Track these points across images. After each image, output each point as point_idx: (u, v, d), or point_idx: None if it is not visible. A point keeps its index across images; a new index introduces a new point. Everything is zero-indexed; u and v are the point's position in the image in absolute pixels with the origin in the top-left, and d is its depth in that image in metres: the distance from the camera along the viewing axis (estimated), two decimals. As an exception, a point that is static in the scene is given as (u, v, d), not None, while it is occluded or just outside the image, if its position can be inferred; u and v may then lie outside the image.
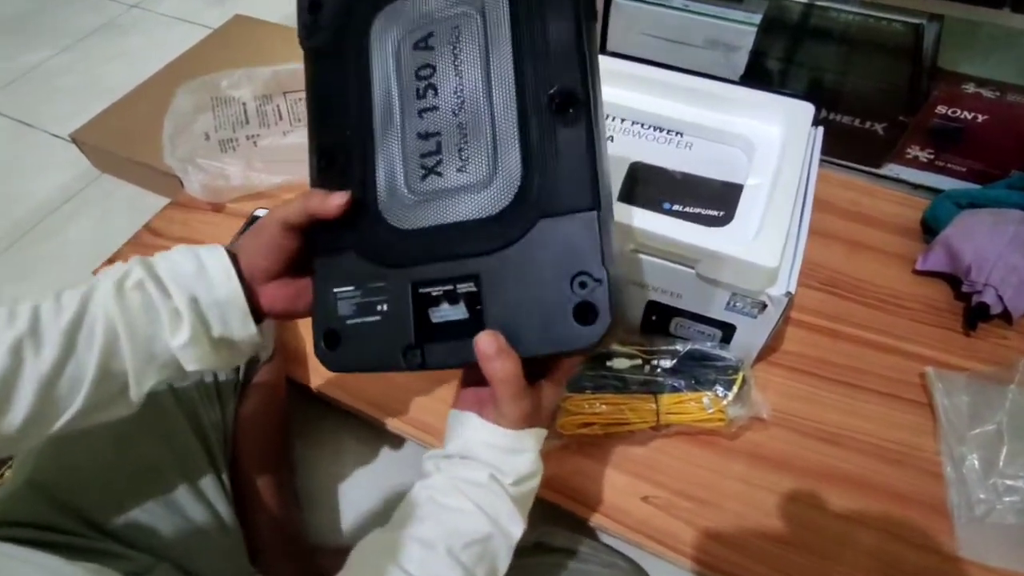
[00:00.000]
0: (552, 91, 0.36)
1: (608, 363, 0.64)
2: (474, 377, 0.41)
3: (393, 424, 0.65)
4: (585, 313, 0.34)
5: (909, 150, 0.85)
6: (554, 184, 0.35)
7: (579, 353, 0.37)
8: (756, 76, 0.89)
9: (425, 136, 0.39)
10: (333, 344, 0.40)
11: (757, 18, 0.85)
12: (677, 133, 0.67)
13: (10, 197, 1.06)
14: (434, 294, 0.38)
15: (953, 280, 0.73)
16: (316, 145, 0.42)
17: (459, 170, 0.38)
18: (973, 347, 0.68)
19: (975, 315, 0.69)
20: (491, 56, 0.37)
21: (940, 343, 0.69)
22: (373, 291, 0.39)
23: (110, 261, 0.82)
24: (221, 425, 0.56)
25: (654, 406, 0.61)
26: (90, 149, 1.04)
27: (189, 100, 0.93)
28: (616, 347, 0.65)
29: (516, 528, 0.37)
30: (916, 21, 0.87)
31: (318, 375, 0.69)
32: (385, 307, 0.39)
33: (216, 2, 1.40)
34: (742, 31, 0.85)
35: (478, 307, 0.37)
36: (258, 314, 0.41)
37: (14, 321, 0.34)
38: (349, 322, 0.40)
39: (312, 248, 0.41)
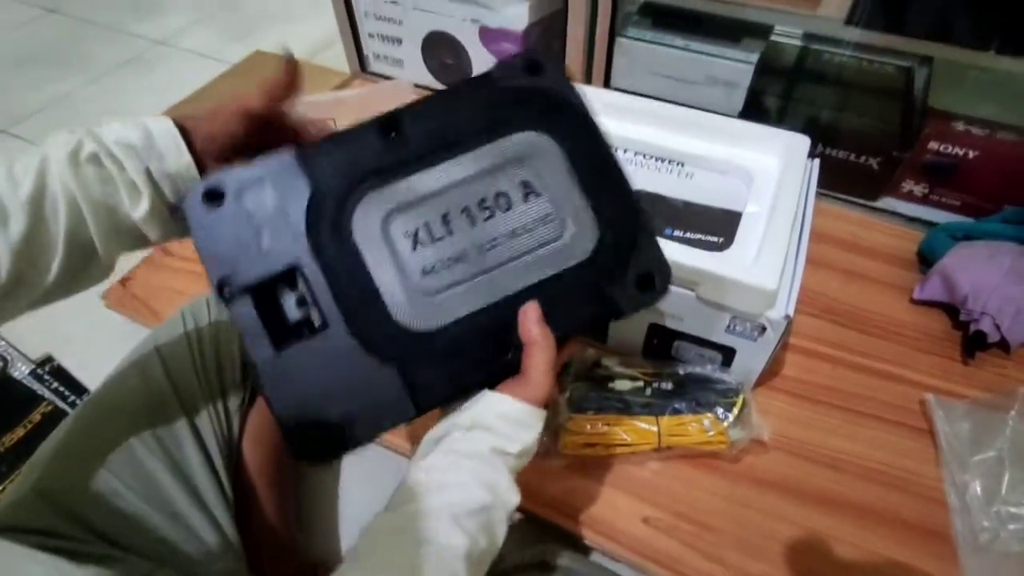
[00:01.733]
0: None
1: (610, 385, 0.65)
2: None
3: (395, 443, 0.66)
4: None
5: (904, 184, 0.87)
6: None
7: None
8: (754, 112, 0.92)
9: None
10: (211, 200, 0.39)
11: (755, 57, 0.88)
12: (678, 163, 0.69)
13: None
14: (289, 290, 0.40)
15: (950, 310, 0.74)
16: None
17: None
18: (972, 375, 0.69)
19: (973, 343, 0.70)
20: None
21: (939, 371, 0.69)
22: (277, 222, 0.39)
23: (124, 281, 0.85)
24: (227, 438, 0.57)
25: (656, 428, 0.61)
26: (110, 174, 1.08)
27: (209, 128, 0.97)
28: (618, 369, 0.66)
29: (514, 497, 0.38)
30: (906, 64, 0.91)
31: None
32: (265, 242, 0.39)
33: (238, 39, 1.46)
34: (740, 70, 0.89)
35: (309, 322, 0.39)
36: None
37: None
38: (242, 203, 0.39)
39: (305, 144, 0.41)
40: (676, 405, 0.63)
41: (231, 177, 0.40)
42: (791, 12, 0.82)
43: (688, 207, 0.65)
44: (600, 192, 0.42)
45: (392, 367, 0.38)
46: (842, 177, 0.89)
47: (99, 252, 0.38)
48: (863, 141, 0.87)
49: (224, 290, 0.38)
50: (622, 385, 0.65)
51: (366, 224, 0.40)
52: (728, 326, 0.61)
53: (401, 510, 0.36)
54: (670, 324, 0.64)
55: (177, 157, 0.39)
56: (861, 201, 0.91)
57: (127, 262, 0.86)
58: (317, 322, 0.39)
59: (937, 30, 0.75)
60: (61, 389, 0.83)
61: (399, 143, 0.41)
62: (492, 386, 0.40)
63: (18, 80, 1.40)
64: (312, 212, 0.40)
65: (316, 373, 0.38)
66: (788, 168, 0.64)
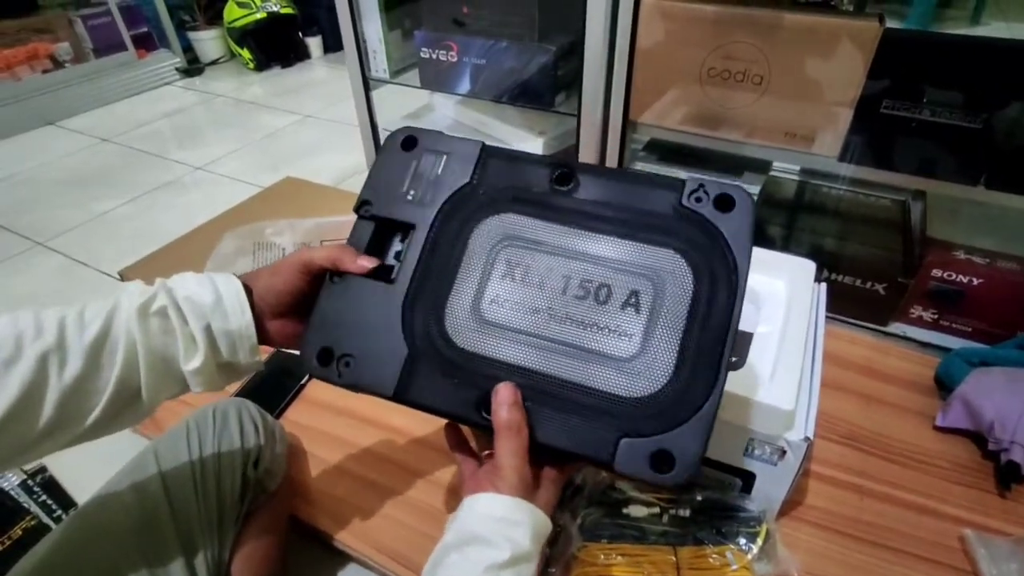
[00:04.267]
0: None
1: (625, 510, 0.61)
2: (471, 468, 0.43)
3: (398, 572, 0.61)
4: None
5: (912, 310, 0.88)
6: None
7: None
8: (759, 240, 0.95)
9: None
10: (407, 145, 0.46)
11: (756, 189, 0.94)
12: (687, 283, 0.71)
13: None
14: (400, 241, 0.45)
15: (976, 438, 0.71)
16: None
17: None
18: (1011, 509, 0.65)
19: (1007, 475, 0.66)
20: None
21: (975, 504, 0.65)
22: (428, 187, 0.45)
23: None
24: (217, 563, 0.53)
25: (674, 559, 0.57)
26: (135, 285, 1.11)
27: (233, 244, 1.02)
28: (633, 494, 0.63)
29: None
30: (901, 198, 0.95)
31: (323, 514, 0.66)
32: (411, 195, 0.44)
33: (272, 167, 1.58)
34: (742, 200, 0.94)
35: None
36: (261, 341, 0.44)
37: (41, 334, 0.36)
38: (421, 159, 0.45)
39: None
40: (695, 534, 0.59)
41: (431, 137, 0.46)
42: (787, 149, 0.88)
43: (699, 326, 0.66)
44: (695, 352, 0.37)
45: (406, 348, 0.41)
46: (851, 302, 0.90)
47: (144, 398, 0.41)
48: (867, 268, 0.89)
49: (363, 208, 0.45)
50: (637, 511, 0.62)
51: (485, 234, 0.43)
52: (746, 449, 0.59)
53: None
54: (686, 446, 0.62)
55: (239, 317, 0.42)
56: (872, 326, 0.91)
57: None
58: (392, 276, 0.43)
59: (924, 167, 0.80)
60: (48, 502, 0.79)
61: (564, 192, 0.43)
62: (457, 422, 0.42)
63: (62, 199, 1.51)
64: (454, 198, 0.44)
65: (357, 308, 0.42)
66: (796, 291, 0.65)
